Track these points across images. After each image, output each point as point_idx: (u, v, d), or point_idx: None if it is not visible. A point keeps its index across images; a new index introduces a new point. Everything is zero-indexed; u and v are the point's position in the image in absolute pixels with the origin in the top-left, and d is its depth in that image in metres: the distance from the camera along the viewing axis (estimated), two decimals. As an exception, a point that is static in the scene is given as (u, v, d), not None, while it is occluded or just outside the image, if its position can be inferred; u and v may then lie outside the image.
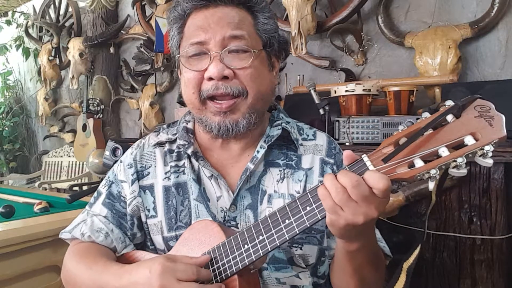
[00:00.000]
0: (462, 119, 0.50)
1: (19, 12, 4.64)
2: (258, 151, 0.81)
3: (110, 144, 1.97)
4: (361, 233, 0.61)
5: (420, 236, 0.67)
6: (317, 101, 1.79)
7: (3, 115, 4.77)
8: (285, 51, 0.87)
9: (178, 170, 0.84)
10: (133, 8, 3.45)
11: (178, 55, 0.80)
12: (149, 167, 0.86)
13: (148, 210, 0.84)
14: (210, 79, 0.74)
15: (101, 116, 3.71)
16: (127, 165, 0.87)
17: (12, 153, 4.74)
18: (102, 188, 0.89)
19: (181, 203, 0.81)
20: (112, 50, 3.61)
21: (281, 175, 0.81)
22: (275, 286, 0.77)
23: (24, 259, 1.40)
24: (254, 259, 0.65)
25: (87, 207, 0.89)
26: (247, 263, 0.65)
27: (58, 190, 3.55)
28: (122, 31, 3.56)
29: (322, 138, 0.88)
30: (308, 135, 0.87)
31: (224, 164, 0.84)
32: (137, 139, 0.96)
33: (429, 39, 1.89)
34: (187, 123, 0.88)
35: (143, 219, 0.84)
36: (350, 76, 2.27)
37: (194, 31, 0.77)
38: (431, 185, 0.52)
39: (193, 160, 0.84)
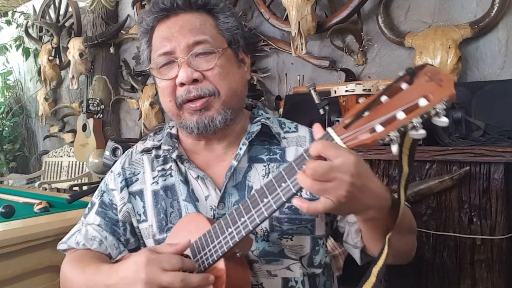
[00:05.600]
0: (415, 85, 0.54)
1: (19, 12, 4.64)
2: (240, 148, 0.83)
3: (110, 144, 1.97)
4: (361, 198, 0.58)
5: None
6: (317, 101, 1.79)
7: (3, 115, 4.77)
8: (253, 45, 0.89)
9: (165, 173, 0.86)
10: (133, 8, 3.45)
11: (149, 67, 0.83)
12: (138, 173, 0.89)
13: (139, 215, 0.86)
14: (182, 84, 0.78)
15: (101, 116, 3.71)
16: (117, 174, 0.91)
17: (12, 153, 4.74)
18: (95, 199, 0.92)
19: (170, 205, 0.83)
20: (112, 50, 3.61)
21: (266, 170, 0.83)
22: (266, 278, 0.78)
23: (24, 259, 1.40)
24: (237, 239, 0.66)
25: (82, 218, 0.92)
26: (231, 245, 0.67)
27: (58, 190, 3.55)
28: (122, 31, 3.56)
29: (304, 130, 0.89)
30: (290, 128, 0.89)
31: (210, 164, 0.86)
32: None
33: (429, 39, 1.89)
34: (170, 129, 0.92)
35: (135, 224, 0.87)
36: (350, 76, 2.27)
37: (160, 42, 0.80)
38: (394, 149, 0.55)
39: (179, 163, 0.86)
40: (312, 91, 1.81)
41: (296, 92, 2.32)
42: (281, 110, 2.37)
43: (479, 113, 1.54)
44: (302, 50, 2.18)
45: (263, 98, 2.48)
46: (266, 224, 0.79)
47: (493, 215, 1.35)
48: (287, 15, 2.28)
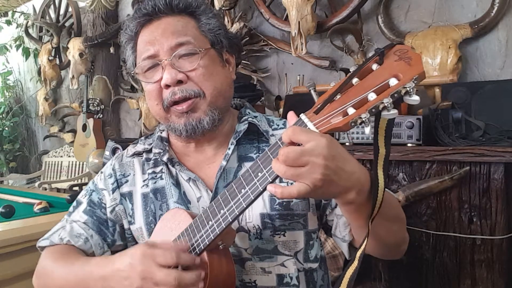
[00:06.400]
0: (385, 65, 0.55)
1: (19, 12, 4.64)
2: (229, 148, 0.84)
3: (110, 144, 1.97)
4: (337, 180, 0.57)
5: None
6: (317, 101, 1.79)
7: (3, 115, 4.77)
8: (237, 45, 0.90)
9: (156, 176, 0.87)
10: (133, 8, 3.44)
11: (134, 72, 0.84)
12: (128, 175, 0.90)
13: (131, 216, 0.87)
14: (167, 86, 0.78)
15: (101, 116, 3.70)
16: (107, 175, 0.91)
17: (12, 153, 4.74)
18: (82, 198, 0.91)
19: (159, 208, 0.84)
20: (112, 50, 3.60)
21: None
22: (260, 276, 0.78)
23: (24, 259, 1.40)
24: (218, 232, 0.66)
25: (65, 216, 0.91)
26: (213, 238, 0.67)
27: (58, 190, 3.56)
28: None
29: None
30: (278, 125, 0.89)
31: (201, 166, 0.86)
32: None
33: (429, 39, 1.89)
34: (161, 132, 0.92)
35: (126, 225, 0.87)
36: (350, 76, 2.26)
37: (144, 46, 0.81)
38: (367, 130, 0.55)
39: (170, 166, 0.86)
40: (312, 91, 1.81)
41: (296, 92, 2.31)
42: (281, 110, 2.37)
43: (479, 113, 1.54)
44: (302, 50, 2.18)
45: (263, 98, 2.48)
46: (258, 222, 0.79)
47: (493, 215, 1.35)
48: (287, 15, 2.28)
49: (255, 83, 2.58)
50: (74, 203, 0.92)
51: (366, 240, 0.60)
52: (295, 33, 2.17)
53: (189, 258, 0.67)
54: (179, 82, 0.77)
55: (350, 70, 0.57)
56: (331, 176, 0.56)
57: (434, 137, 1.51)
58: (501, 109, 1.50)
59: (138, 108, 3.48)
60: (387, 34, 2.09)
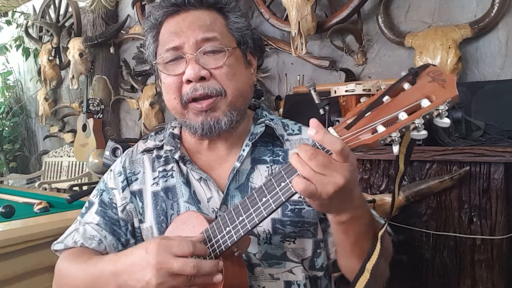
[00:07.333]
0: (417, 85, 0.55)
1: (19, 12, 4.64)
2: (243, 149, 0.82)
3: (110, 144, 1.97)
4: (342, 202, 0.60)
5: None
6: (317, 101, 1.79)
7: (3, 115, 4.77)
8: (261, 48, 0.89)
9: (166, 174, 0.85)
10: (133, 8, 3.45)
11: (155, 62, 0.81)
12: (138, 173, 0.88)
13: (141, 215, 0.85)
14: (188, 81, 0.76)
15: (101, 116, 3.70)
16: (117, 173, 0.89)
17: (12, 153, 4.74)
18: (94, 198, 0.90)
19: (171, 207, 0.82)
20: (112, 50, 3.61)
21: (268, 171, 0.82)
22: (269, 282, 0.77)
23: (24, 259, 1.40)
24: (236, 239, 0.66)
25: (78, 217, 0.90)
26: (230, 244, 0.67)
27: (58, 190, 3.56)
28: (122, 31, 3.56)
29: (307, 132, 0.88)
30: (293, 130, 0.88)
31: (213, 165, 0.85)
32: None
33: (429, 39, 1.89)
34: (173, 129, 0.90)
35: (136, 224, 0.85)
36: (350, 76, 2.27)
37: (168, 37, 0.79)
38: (395, 149, 0.55)
39: (181, 164, 0.85)
40: (312, 91, 1.81)
41: (296, 92, 2.32)
42: (281, 110, 2.37)
43: (479, 113, 1.54)
44: (302, 50, 2.18)
45: (263, 98, 2.48)
46: (269, 227, 0.78)
47: (493, 215, 1.35)
48: (287, 15, 2.28)
49: (255, 83, 2.58)
50: (86, 204, 0.90)
51: (376, 252, 0.61)
52: (295, 33, 2.17)
53: (204, 248, 0.66)
54: (202, 78, 0.75)
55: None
56: (340, 196, 0.58)
57: (434, 137, 1.51)
58: (501, 109, 1.50)
59: (138, 108, 3.48)
60: (387, 34, 2.09)
